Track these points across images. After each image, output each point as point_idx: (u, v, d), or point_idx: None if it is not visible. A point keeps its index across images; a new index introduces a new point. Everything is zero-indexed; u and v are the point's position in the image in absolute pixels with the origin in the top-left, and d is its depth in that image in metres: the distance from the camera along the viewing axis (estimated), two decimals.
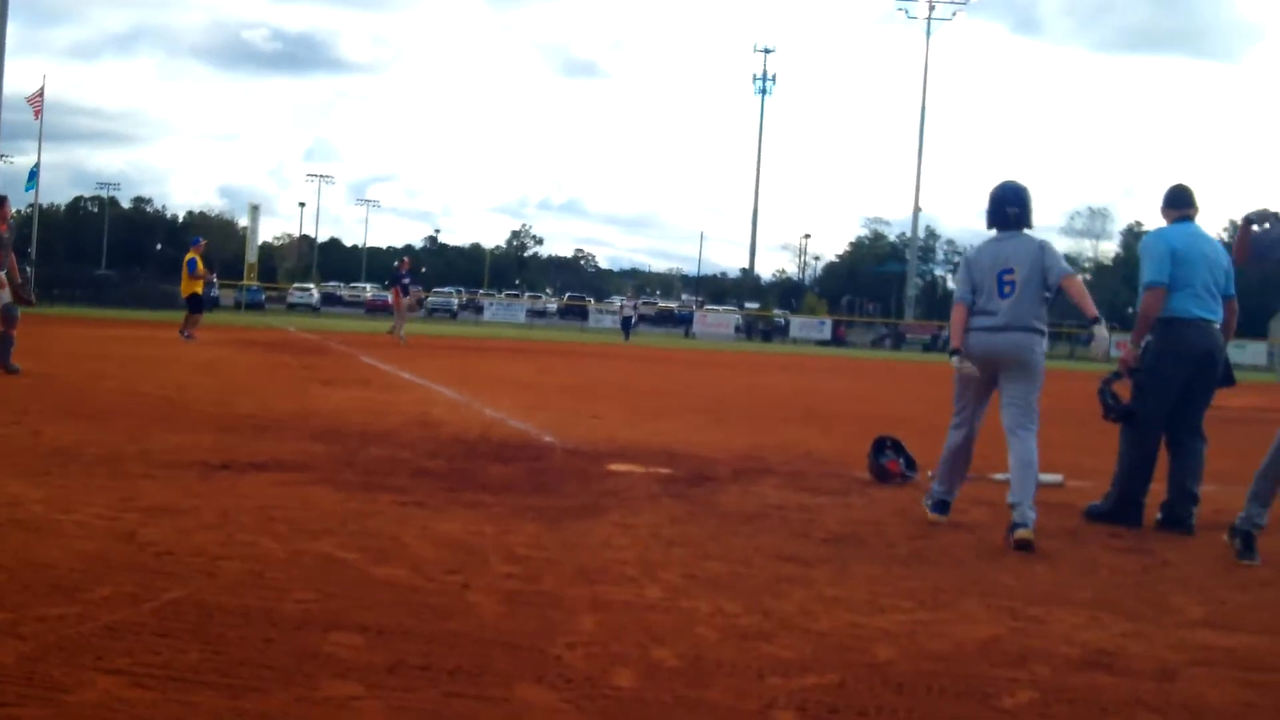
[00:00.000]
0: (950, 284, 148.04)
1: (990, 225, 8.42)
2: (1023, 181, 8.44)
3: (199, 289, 29.54)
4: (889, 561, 6.88)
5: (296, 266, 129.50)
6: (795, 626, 5.31)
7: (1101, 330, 8.14)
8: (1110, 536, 8.08)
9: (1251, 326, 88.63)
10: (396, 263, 35.92)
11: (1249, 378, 45.11)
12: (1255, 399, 26.03)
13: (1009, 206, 8.32)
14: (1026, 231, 8.30)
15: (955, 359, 8.11)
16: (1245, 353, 72.41)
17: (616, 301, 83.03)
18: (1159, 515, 8.57)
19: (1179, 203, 8.96)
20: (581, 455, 10.73)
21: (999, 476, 11.45)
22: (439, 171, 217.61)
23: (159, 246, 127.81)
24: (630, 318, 62.62)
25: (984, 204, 8.39)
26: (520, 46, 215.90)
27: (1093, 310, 8.06)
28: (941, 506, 8.41)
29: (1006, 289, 8.13)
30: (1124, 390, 8.98)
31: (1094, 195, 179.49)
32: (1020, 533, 7.49)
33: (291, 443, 10.43)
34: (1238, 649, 5.36)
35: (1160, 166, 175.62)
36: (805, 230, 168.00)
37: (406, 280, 33.93)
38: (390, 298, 36.94)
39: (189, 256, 28.91)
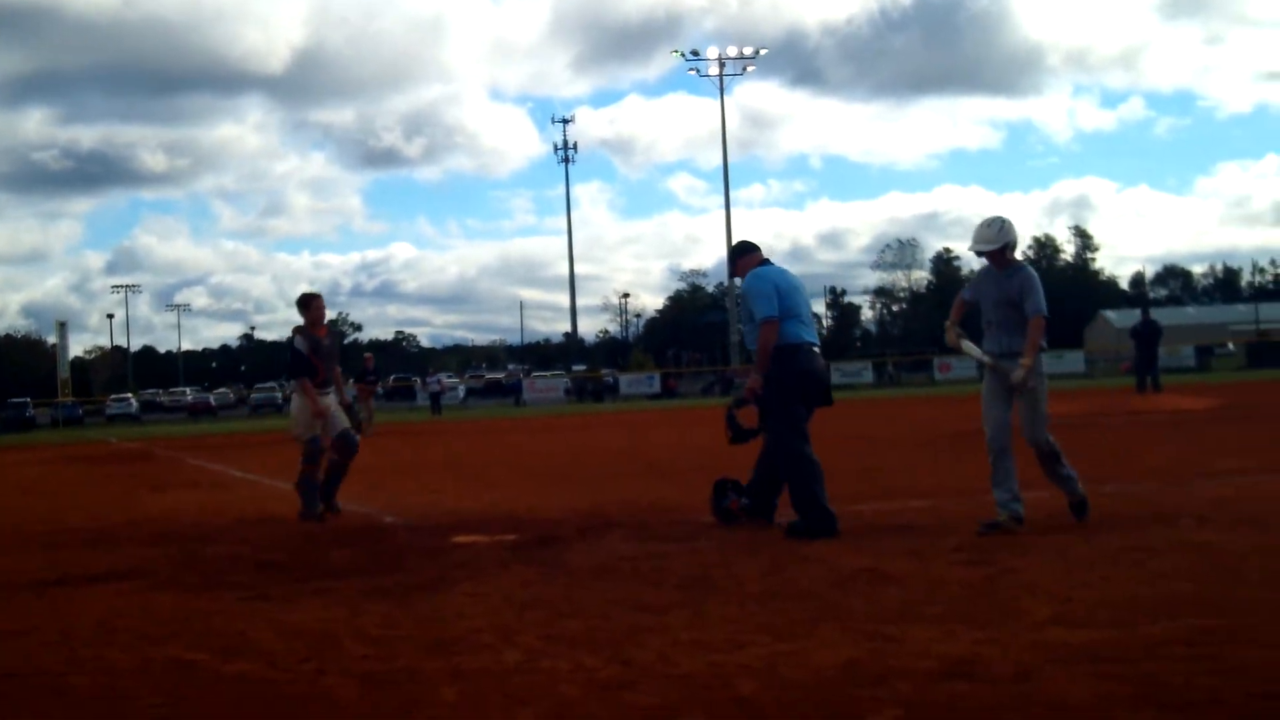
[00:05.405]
0: None
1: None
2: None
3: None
4: (742, 600, 6.93)
5: (111, 378, 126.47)
6: (656, 673, 5.33)
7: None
8: (953, 551, 8.23)
9: (1068, 336, 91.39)
10: (365, 358, 35.90)
11: (1069, 385, 46.30)
12: (1080, 406, 26.79)
13: None
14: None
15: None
16: (1064, 361, 74.34)
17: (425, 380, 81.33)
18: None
19: (753, 249, 10.20)
20: (424, 531, 10.65)
21: None
22: (245, 270, 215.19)
23: None
24: (438, 393, 61.90)
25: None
26: (312, 141, 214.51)
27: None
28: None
29: None
30: (748, 416, 9.82)
31: (900, 229, 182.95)
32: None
33: (126, 550, 10.20)
34: (1089, 644, 5.49)
35: (957, 196, 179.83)
36: (623, 289, 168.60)
37: (372, 377, 33.52)
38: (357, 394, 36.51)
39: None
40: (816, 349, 9.83)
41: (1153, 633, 5.63)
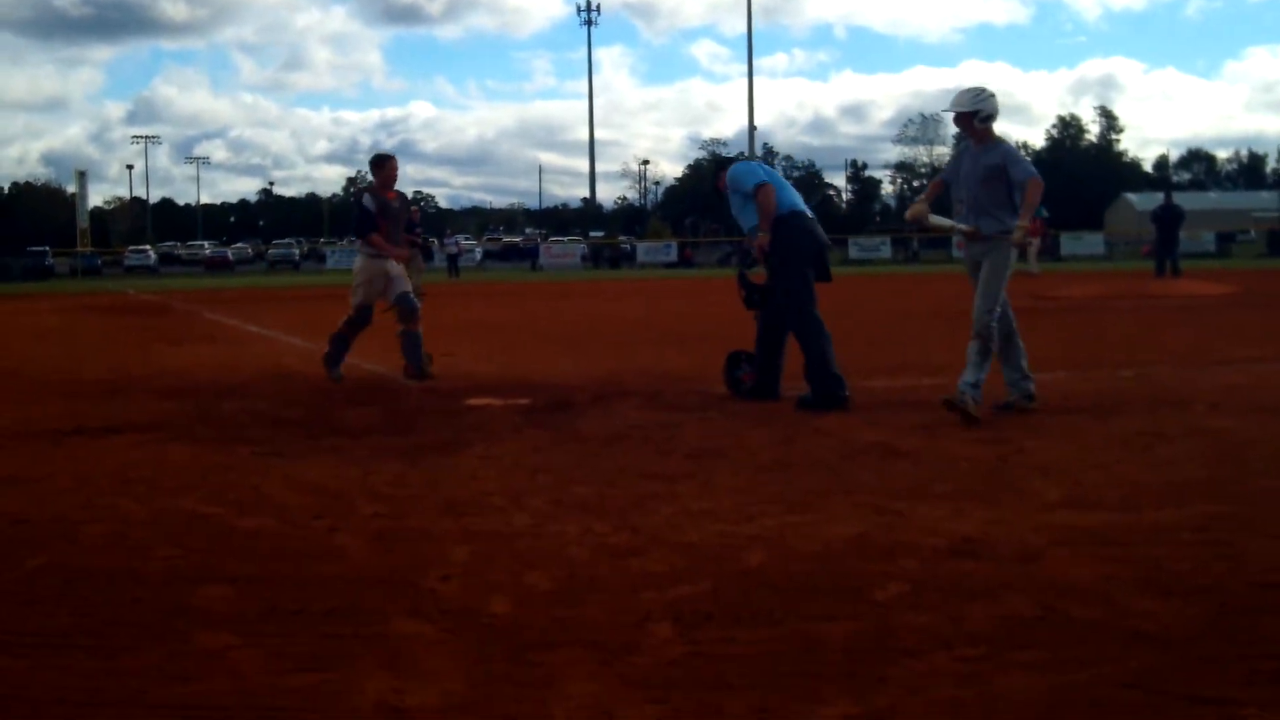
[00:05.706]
0: None
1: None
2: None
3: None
4: (753, 470, 6.96)
5: (130, 229, 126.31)
6: (665, 540, 5.37)
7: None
8: (965, 429, 8.24)
9: (1089, 218, 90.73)
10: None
11: (1088, 267, 46.16)
12: (1098, 288, 26.67)
13: None
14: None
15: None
16: (1083, 243, 73.84)
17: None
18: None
19: (734, 160, 10.57)
20: (438, 393, 10.70)
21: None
22: (265, 125, 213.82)
23: None
24: (455, 254, 61.51)
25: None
26: None
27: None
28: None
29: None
30: (760, 278, 9.95)
31: (923, 104, 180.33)
32: None
33: (143, 403, 10.26)
34: (1096, 527, 5.51)
35: (983, 72, 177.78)
36: (642, 156, 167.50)
37: (419, 228, 32.05)
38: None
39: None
40: (817, 222, 10.02)
41: (1161, 518, 5.65)
